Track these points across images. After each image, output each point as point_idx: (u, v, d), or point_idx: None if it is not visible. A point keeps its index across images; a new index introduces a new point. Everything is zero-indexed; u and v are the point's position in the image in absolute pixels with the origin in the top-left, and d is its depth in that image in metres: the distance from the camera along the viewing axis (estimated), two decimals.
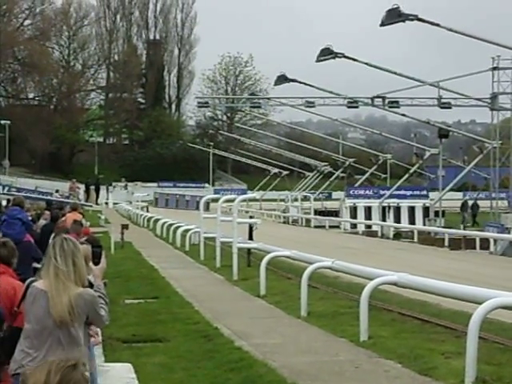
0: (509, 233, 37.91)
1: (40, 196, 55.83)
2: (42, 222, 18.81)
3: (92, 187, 74.14)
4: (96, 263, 6.53)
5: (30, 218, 16.34)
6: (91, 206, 61.41)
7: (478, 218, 56.58)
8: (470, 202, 60.55)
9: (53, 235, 11.55)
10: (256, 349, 12.42)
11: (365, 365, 11.32)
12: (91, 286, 6.28)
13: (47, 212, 19.88)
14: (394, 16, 38.52)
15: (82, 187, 72.70)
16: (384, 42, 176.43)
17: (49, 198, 50.58)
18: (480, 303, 10.42)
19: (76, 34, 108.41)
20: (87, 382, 3.54)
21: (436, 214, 48.53)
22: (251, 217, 33.40)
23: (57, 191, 63.28)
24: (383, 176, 75.39)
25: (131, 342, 13.03)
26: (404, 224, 51.38)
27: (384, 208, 53.75)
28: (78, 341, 5.79)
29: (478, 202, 60.18)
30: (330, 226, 54.59)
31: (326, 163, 76.96)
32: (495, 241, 37.19)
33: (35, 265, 11.91)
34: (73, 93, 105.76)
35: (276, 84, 52.76)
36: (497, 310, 10.75)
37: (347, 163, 72.26)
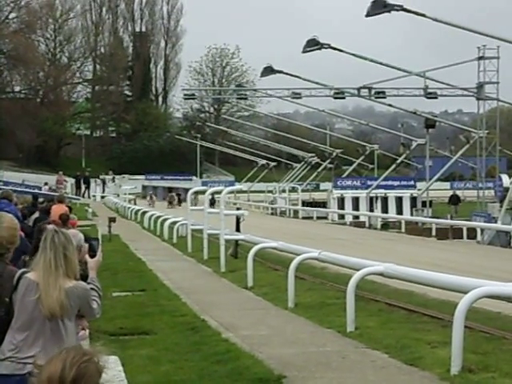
0: (495, 222, 38.02)
1: (27, 189, 55.57)
2: (35, 214, 18.83)
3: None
4: (92, 256, 6.51)
5: (20, 214, 16.27)
6: (79, 200, 61.24)
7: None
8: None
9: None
10: (243, 340, 12.43)
11: (351, 355, 11.35)
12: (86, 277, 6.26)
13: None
14: (380, 6, 38.47)
15: (70, 180, 72.47)
16: (370, 32, 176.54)
17: (36, 191, 50.39)
18: (466, 293, 10.46)
19: (62, 27, 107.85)
20: (101, 375, 3.42)
21: (423, 204, 48.62)
22: (238, 208, 33.46)
23: (46, 184, 63.07)
24: (370, 166, 75.41)
25: (118, 335, 13.01)
26: (391, 214, 51.50)
27: (371, 198, 53.82)
28: (67, 333, 5.77)
29: (466, 191, 60.24)
30: (318, 217, 54.65)
31: (313, 154, 76.89)
32: (482, 230, 37.32)
33: (23, 257, 11.86)
34: (59, 86, 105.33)
35: (262, 75, 52.70)
36: (483, 300, 10.80)
37: (334, 154, 72.27)
